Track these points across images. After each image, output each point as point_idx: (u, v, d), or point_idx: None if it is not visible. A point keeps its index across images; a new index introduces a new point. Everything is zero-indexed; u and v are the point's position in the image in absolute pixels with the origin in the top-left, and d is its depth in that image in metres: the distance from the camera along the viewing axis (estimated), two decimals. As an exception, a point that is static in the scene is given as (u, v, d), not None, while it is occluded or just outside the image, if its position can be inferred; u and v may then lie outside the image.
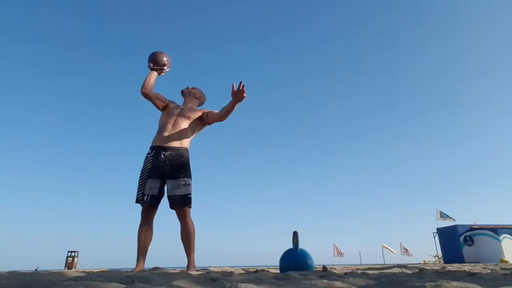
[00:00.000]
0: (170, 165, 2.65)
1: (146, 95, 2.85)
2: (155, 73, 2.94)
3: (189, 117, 2.83)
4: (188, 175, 2.69)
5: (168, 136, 2.72)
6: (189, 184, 2.66)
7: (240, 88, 2.61)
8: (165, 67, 3.00)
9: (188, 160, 2.76)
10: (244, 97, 2.65)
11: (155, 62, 2.95)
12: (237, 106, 2.72)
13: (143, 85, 2.85)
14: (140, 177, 2.68)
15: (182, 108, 2.91)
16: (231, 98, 2.68)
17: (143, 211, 2.64)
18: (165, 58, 2.98)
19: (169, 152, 2.68)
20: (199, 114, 2.89)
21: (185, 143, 2.78)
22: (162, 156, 2.66)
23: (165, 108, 2.94)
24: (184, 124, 2.80)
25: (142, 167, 2.71)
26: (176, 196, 2.59)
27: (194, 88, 3.08)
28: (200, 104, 3.10)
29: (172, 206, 2.62)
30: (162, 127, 2.80)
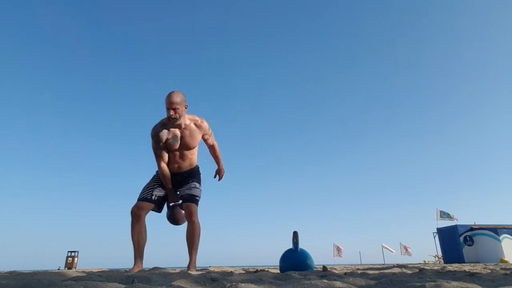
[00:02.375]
0: (181, 178, 2.80)
1: None
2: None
3: (193, 147, 2.78)
4: (197, 181, 2.83)
5: (178, 166, 2.78)
6: (198, 188, 2.79)
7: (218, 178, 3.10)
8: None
9: (197, 170, 2.92)
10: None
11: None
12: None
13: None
14: (151, 181, 2.79)
15: (181, 137, 2.66)
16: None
17: (134, 210, 2.59)
18: (179, 218, 2.81)
19: (179, 177, 2.81)
20: (199, 137, 2.79)
21: (194, 163, 2.89)
22: (174, 181, 2.79)
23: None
24: (191, 153, 2.80)
25: (153, 175, 2.83)
26: (186, 194, 2.73)
27: (175, 109, 2.51)
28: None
29: (183, 202, 2.74)
30: (171, 156, 2.72)
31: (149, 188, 2.72)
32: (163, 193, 2.74)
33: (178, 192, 2.82)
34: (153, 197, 2.67)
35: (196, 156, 2.89)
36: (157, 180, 2.78)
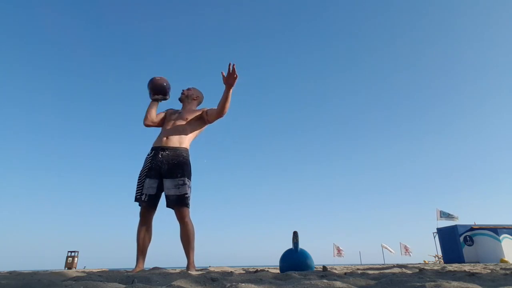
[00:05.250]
0: (167, 164, 2.64)
1: (149, 126, 2.91)
2: (156, 104, 2.95)
3: (186, 119, 2.84)
4: (186, 175, 2.64)
5: (167, 137, 2.74)
6: (186, 184, 2.61)
7: (231, 71, 2.50)
8: (167, 96, 2.97)
9: (187, 160, 2.72)
10: (235, 78, 2.52)
11: (157, 92, 2.91)
12: (231, 92, 2.61)
13: (146, 118, 2.89)
14: (139, 177, 2.71)
15: (180, 112, 2.92)
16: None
17: (142, 211, 2.65)
18: (165, 84, 2.92)
19: (167, 152, 2.69)
20: (197, 114, 2.87)
21: (185, 143, 2.77)
22: (160, 156, 2.67)
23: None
24: (183, 125, 2.81)
25: (142, 167, 2.74)
26: (173, 196, 2.57)
27: (189, 89, 3.03)
28: (199, 103, 3.07)
29: (168, 205, 2.60)
30: (162, 130, 2.87)
31: (139, 186, 2.66)
32: (153, 191, 2.62)
33: (164, 192, 2.62)
34: (143, 197, 2.61)
35: (188, 140, 2.81)
36: (144, 172, 2.69)
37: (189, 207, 2.62)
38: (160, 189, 2.66)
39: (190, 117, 2.85)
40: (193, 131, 2.86)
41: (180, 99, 3.02)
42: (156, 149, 2.72)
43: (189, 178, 2.69)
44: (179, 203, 2.56)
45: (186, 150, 2.77)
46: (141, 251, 2.58)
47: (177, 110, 2.98)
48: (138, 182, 2.69)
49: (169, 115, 2.94)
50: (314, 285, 1.19)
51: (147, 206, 2.63)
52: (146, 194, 2.61)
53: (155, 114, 2.92)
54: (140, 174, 2.71)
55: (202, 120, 2.88)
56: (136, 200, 2.65)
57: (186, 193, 2.59)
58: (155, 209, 2.70)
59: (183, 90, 3.02)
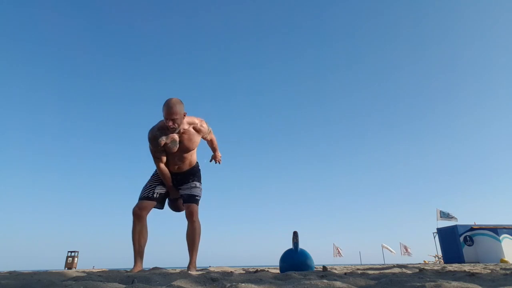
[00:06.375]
0: (181, 177, 2.80)
1: None
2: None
3: (193, 149, 2.75)
4: (197, 180, 2.83)
5: (178, 166, 2.77)
6: (198, 187, 2.79)
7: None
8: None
9: (198, 167, 2.91)
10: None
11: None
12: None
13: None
14: (151, 180, 2.78)
15: (181, 142, 2.61)
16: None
17: (136, 211, 2.61)
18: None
19: (179, 176, 2.81)
20: (198, 140, 2.74)
21: (194, 162, 2.87)
22: (174, 180, 2.80)
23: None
24: (190, 154, 2.76)
25: (152, 174, 2.82)
26: (186, 195, 2.72)
27: (175, 120, 2.42)
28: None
29: (183, 203, 2.74)
30: (170, 158, 2.69)
31: (150, 186, 2.73)
32: (164, 190, 2.77)
33: (181, 194, 2.81)
34: (155, 195, 2.69)
35: (195, 155, 2.88)
36: (157, 178, 2.77)
37: (197, 205, 2.74)
38: (167, 193, 2.80)
39: (194, 146, 2.74)
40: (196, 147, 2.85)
41: (175, 133, 2.58)
42: (170, 173, 2.79)
43: (200, 182, 2.85)
44: (189, 201, 2.70)
45: (197, 164, 2.91)
46: (138, 252, 2.59)
47: (171, 136, 2.57)
48: (150, 183, 2.75)
49: (169, 147, 2.60)
50: (314, 285, 1.19)
51: (149, 204, 2.66)
52: (158, 193, 2.71)
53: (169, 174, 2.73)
54: (152, 178, 2.79)
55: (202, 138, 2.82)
56: (143, 198, 2.66)
57: (197, 195, 2.76)
58: (149, 211, 2.69)
59: (170, 124, 2.43)
